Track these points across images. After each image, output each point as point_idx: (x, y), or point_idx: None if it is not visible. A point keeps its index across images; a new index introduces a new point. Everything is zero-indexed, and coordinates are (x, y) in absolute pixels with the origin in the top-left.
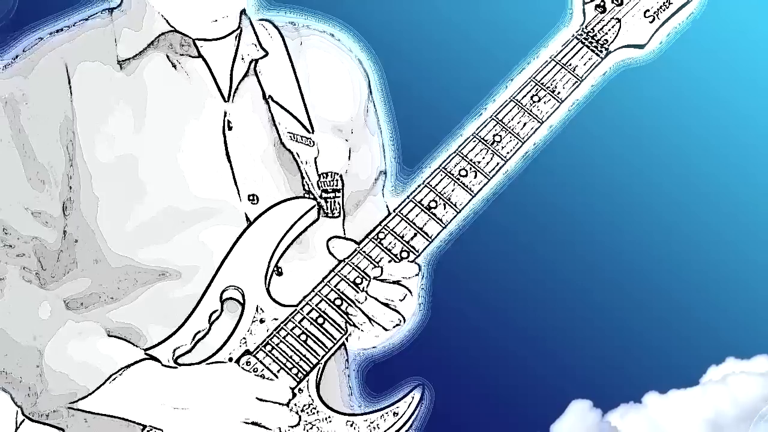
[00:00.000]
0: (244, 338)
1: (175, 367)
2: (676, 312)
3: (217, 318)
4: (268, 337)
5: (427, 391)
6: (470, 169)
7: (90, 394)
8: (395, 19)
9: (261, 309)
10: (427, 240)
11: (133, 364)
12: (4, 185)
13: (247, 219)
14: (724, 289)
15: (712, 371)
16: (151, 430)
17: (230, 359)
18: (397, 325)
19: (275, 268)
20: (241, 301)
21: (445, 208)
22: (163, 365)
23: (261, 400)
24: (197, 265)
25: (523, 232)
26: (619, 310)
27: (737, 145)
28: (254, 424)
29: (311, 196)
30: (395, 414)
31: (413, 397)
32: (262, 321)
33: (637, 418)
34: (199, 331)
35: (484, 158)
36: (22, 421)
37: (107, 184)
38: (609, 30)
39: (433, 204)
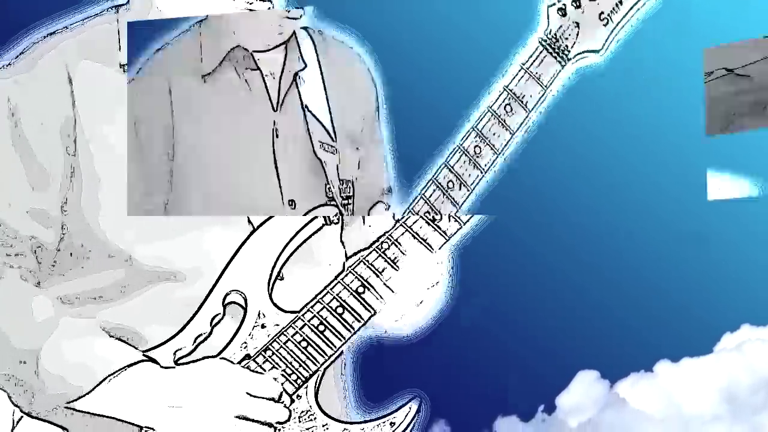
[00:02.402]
0: (245, 342)
1: (172, 368)
2: (689, 277)
3: (219, 321)
4: (268, 342)
5: (424, 403)
6: (456, 181)
7: (85, 395)
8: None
9: (263, 314)
10: (429, 250)
11: (129, 366)
12: (3, 184)
13: (251, 225)
14: (740, 253)
15: (726, 339)
16: (146, 431)
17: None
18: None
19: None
20: (244, 306)
21: (441, 218)
22: (161, 367)
23: (251, 395)
24: (198, 267)
25: (523, 225)
26: (629, 274)
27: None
28: (246, 419)
29: (334, 203)
30: (392, 424)
31: (410, 408)
32: (263, 326)
33: (647, 388)
34: (200, 334)
35: (466, 171)
36: (20, 418)
37: (108, 184)
38: (569, 35)
39: (428, 214)
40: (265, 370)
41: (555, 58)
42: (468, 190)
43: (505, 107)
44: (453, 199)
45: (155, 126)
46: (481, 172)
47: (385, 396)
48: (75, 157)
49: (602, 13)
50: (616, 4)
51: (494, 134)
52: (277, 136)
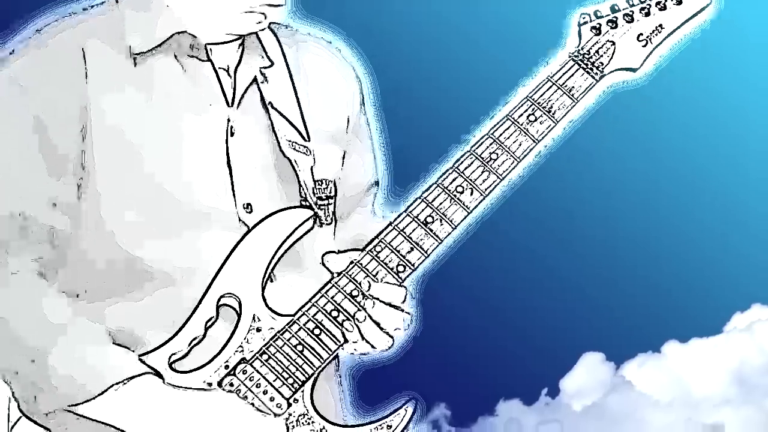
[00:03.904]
0: (240, 346)
1: (176, 386)
2: (698, 255)
3: (213, 325)
4: (264, 345)
5: (419, 405)
6: (467, 186)
7: (91, 399)
8: (393, 28)
9: (257, 318)
10: (423, 255)
11: (136, 377)
12: (23, 172)
13: (246, 226)
14: (750, 231)
15: (736, 318)
16: None
17: (226, 366)
18: (389, 347)
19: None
20: (238, 309)
21: (441, 223)
22: (164, 382)
23: None
24: (194, 269)
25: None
26: (636, 253)
27: (726, 164)
28: None
29: (307, 205)
30: (389, 427)
31: (406, 410)
32: (258, 330)
33: (655, 370)
34: (195, 338)
35: (480, 176)
36: (18, 419)
37: (112, 176)
38: (604, 53)
39: (429, 219)
40: (262, 375)
41: (588, 72)
42: (481, 195)
43: (528, 116)
44: (462, 203)
45: (62, 102)
46: (498, 178)
47: (381, 389)
48: (86, 145)
49: (641, 34)
50: (657, 27)
51: (514, 142)
52: (232, 134)
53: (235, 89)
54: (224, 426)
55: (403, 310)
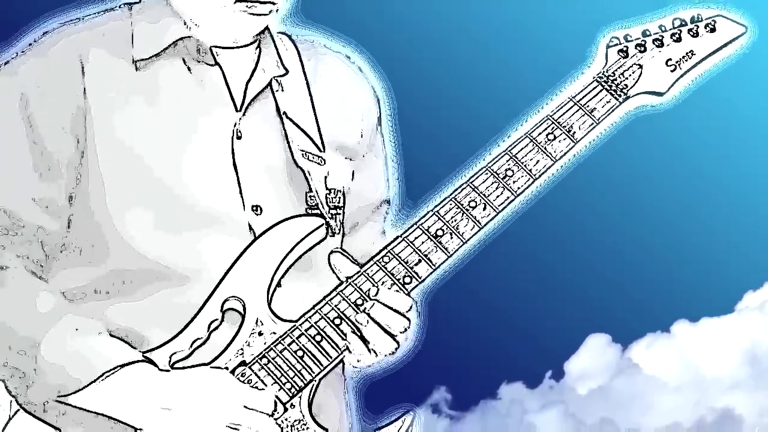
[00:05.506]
0: (242, 349)
1: (169, 371)
2: (709, 233)
3: (217, 327)
4: (264, 350)
5: (417, 418)
6: (480, 201)
7: (81, 389)
8: (414, 43)
9: (260, 322)
10: (431, 268)
11: (127, 365)
12: (12, 173)
13: (251, 229)
14: (761, 208)
15: (748, 297)
16: None
17: (225, 369)
18: (392, 353)
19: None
20: (242, 313)
21: (451, 237)
22: (159, 369)
23: (247, 408)
24: (199, 271)
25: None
26: (644, 230)
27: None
28: (237, 429)
29: (319, 214)
30: None
31: (404, 421)
32: (260, 334)
33: (664, 350)
34: (197, 339)
35: (494, 192)
36: (16, 411)
37: (115, 179)
38: (630, 75)
39: (440, 232)
40: (260, 378)
41: (612, 94)
42: (494, 211)
43: (547, 135)
44: (474, 217)
45: (56, 107)
46: (513, 195)
47: (381, 376)
48: (84, 148)
49: (670, 59)
50: (688, 53)
51: (531, 160)
52: (239, 138)
53: (245, 94)
54: (219, 405)
55: (407, 318)
